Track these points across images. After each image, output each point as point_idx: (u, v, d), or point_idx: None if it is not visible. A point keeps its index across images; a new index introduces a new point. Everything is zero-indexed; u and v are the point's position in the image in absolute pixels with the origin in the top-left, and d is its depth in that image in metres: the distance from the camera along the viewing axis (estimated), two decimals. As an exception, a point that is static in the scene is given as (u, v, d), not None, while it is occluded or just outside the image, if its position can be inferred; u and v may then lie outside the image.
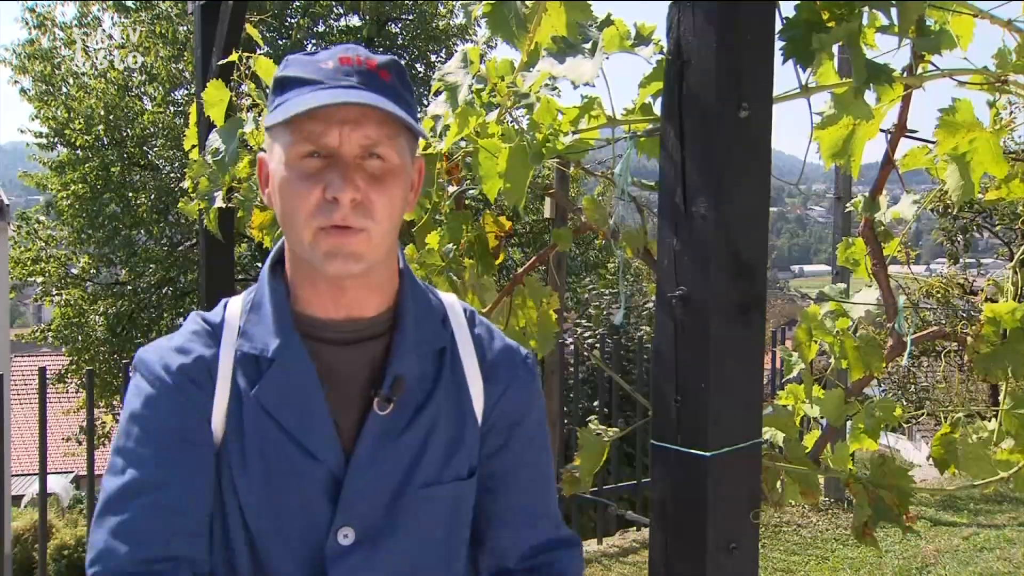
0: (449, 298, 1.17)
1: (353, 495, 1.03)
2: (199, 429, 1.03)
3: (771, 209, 1.38)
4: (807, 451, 1.82)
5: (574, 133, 1.68)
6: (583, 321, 9.44)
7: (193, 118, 2.85)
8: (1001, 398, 1.72)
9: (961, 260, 11.65)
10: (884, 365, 1.77)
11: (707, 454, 1.22)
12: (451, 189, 2.04)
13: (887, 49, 1.37)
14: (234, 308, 1.09)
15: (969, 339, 1.68)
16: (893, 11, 1.24)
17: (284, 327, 1.04)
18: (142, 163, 15.16)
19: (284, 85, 1.03)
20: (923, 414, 2.44)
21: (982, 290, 9.77)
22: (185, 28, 14.58)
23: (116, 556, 0.98)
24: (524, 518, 1.16)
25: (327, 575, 1.02)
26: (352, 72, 1.00)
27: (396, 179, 1.02)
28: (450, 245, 2.04)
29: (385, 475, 1.04)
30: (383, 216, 1.00)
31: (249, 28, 2.91)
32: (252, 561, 1.03)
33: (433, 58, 16.44)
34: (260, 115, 2.46)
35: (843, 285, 1.97)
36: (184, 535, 1.01)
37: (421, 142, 1.80)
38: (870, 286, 1.86)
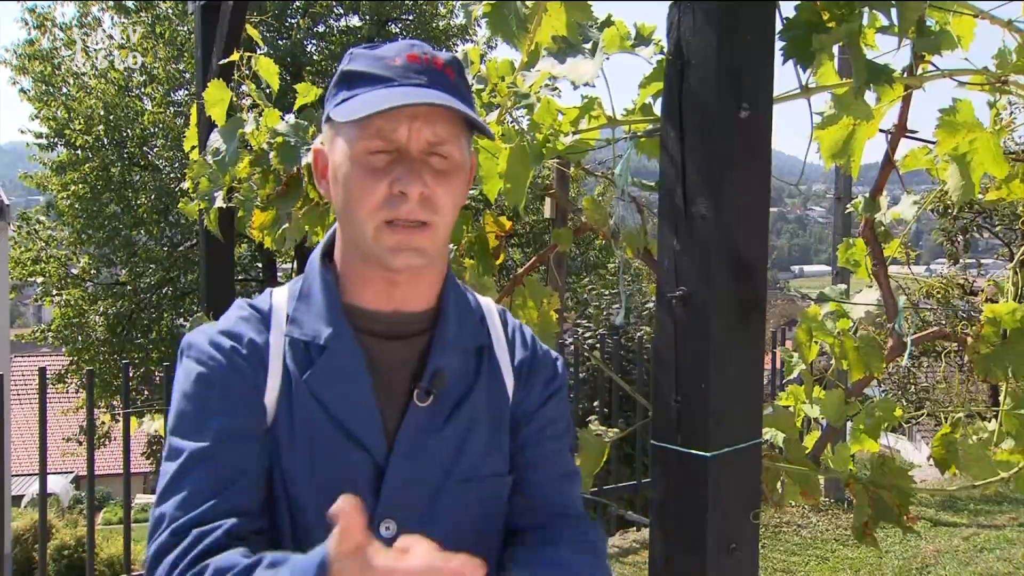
0: (486, 300, 1.20)
1: (394, 487, 1.04)
2: (253, 404, 1.03)
3: (771, 209, 1.38)
4: (807, 451, 1.82)
5: (574, 133, 1.68)
6: (583, 321, 9.44)
7: (194, 118, 2.85)
8: (1001, 398, 1.72)
9: (961, 260, 11.65)
10: (884, 365, 1.77)
11: (707, 454, 1.22)
12: (451, 189, 2.03)
13: (887, 49, 1.38)
14: (281, 296, 1.10)
15: (969, 339, 1.68)
16: (893, 11, 1.24)
17: (335, 316, 1.05)
18: (142, 163, 15.17)
19: (351, 80, 1.04)
20: (923, 414, 2.44)
21: (982, 290, 9.78)
22: (185, 29, 14.59)
23: (176, 520, 0.97)
24: (544, 507, 1.15)
25: None
26: (421, 70, 1.02)
27: (459, 175, 1.05)
28: (451, 245, 2.04)
29: (425, 468, 1.06)
30: (447, 210, 1.03)
31: (249, 28, 2.91)
32: (295, 542, 1.04)
33: (433, 58, 16.40)
34: (261, 115, 2.46)
35: (843, 286, 1.97)
36: (240, 495, 1.00)
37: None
38: (870, 286, 1.86)
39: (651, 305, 8.49)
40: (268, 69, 2.46)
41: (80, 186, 14.62)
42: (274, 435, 1.04)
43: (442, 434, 1.07)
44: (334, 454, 1.04)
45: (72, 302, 14.96)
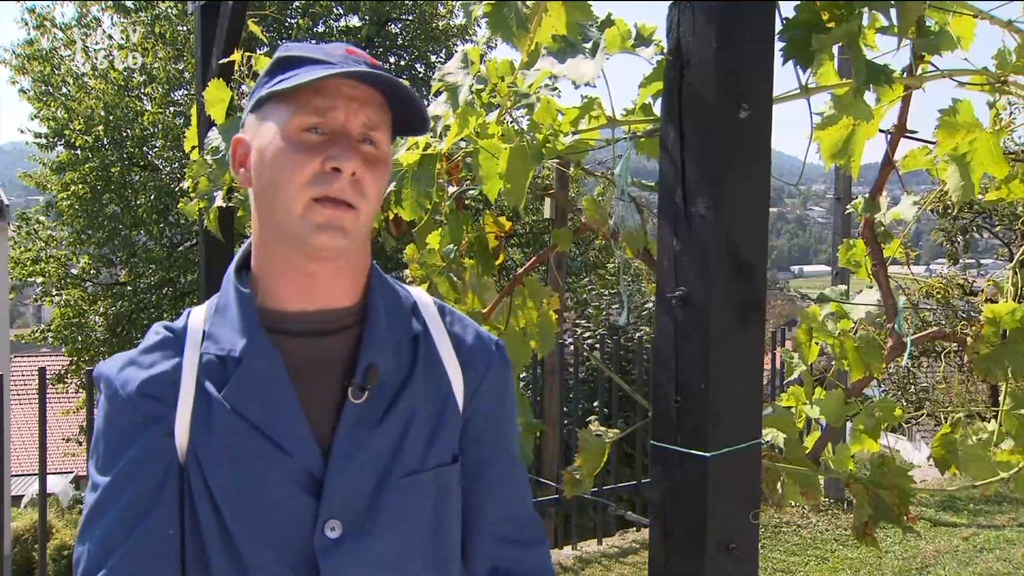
0: (416, 291, 1.19)
1: (335, 487, 1.02)
2: (160, 444, 1.03)
3: (771, 209, 1.38)
4: (807, 452, 1.82)
5: (574, 133, 1.69)
6: (583, 321, 9.45)
7: (194, 118, 2.84)
8: (1001, 398, 1.72)
9: (961, 261, 11.65)
10: (884, 366, 1.77)
11: (707, 454, 1.22)
12: (451, 189, 2.04)
13: (887, 49, 1.38)
14: (198, 315, 1.09)
15: (969, 340, 1.68)
16: (893, 12, 1.24)
17: (250, 325, 1.04)
18: (142, 163, 15.17)
19: (287, 64, 1.04)
20: (923, 414, 2.45)
21: (982, 291, 9.78)
22: (185, 28, 14.59)
23: (100, 563, 1.00)
24: (499, 506, 1.16)
25: (320, 569, 1.01)
26: (360, 61, 1.04)
27: (384, 167, 1.06)
28: (451, 245, 2.04)
29: (366, 465, 1.04)
30: (373, 197, 1.04)
31: (251, 25, 2.91)
32: (234, 570, 1.02)
33: (433, 58, 16.44)
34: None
35: (843, 286, 1.98)
36: (148, 536, 1.01)
37: (421, 140, 1.81)
38: (870, 287, 1.86)
39: (651, 305, 8.50)
40: (268, 69, 2.46)
41: (80, 186, 14.63)
42: (195, 467, 1.02)
43: (380, 430, 1.05)
44: (265, 467, 1.02)
45: (72, 302, 14.96)
